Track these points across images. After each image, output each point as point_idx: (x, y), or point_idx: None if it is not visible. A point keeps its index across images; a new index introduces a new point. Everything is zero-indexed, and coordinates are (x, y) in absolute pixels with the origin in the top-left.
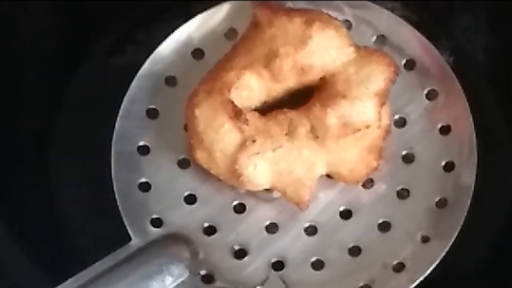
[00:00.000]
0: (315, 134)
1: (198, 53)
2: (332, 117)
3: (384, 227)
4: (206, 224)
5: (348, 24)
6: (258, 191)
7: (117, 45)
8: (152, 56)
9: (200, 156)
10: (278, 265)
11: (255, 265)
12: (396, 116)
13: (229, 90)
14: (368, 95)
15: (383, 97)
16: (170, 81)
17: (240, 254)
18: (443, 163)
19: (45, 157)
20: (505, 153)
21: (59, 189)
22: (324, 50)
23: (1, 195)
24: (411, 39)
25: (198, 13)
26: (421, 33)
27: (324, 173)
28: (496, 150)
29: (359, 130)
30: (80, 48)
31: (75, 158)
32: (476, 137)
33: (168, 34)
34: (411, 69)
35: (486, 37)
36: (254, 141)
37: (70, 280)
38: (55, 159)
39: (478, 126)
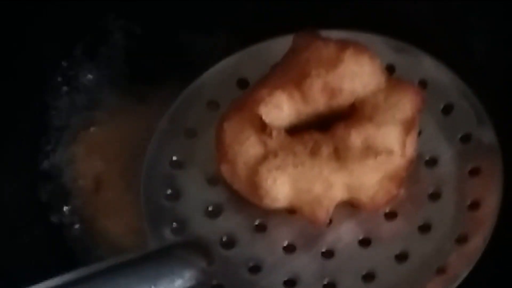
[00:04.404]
0: (338, 154)
1: (243, 83)
2: (355, 138)
3: (402, 257)
4: (224, 238)
5: (389, 68)
6: (281, 212)
7: (164, 64)
8: (198, 78)
9: (224, 168)
10: (290, 284)
11: (266, 282)
12: (428, 156)
13: (259, 106)
14: (394, 121)
15: (410, 126)
16: (212, 105)
17: (254, 269)
18: (469, 202)
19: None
20: None
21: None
22: (355, 75)
23: None
24: (451, 85)
25: (251, 45)
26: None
27: (344, 197)
28: None
29: (381, 154)
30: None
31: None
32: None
33: (218, 60)
34: (449, 113)
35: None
36: (276, 155)
37: (70, 272)
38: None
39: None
